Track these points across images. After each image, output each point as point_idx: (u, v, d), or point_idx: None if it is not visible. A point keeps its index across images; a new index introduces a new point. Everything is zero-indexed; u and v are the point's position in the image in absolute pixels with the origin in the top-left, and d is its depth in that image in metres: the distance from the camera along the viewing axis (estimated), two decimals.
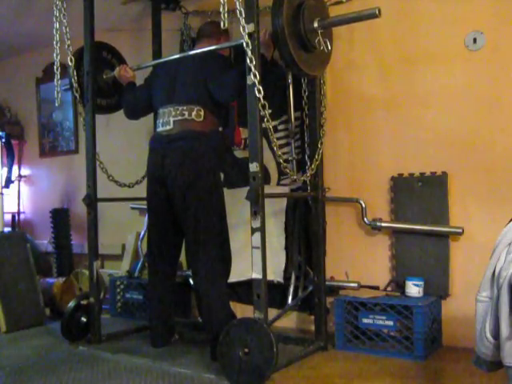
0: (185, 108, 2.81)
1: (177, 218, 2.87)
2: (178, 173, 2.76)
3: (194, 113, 2.79)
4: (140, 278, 3.77)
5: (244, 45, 2.41)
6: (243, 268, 3.05)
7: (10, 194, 4.92)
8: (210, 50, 2.88)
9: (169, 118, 2.84)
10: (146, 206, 3.19)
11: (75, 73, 3.16)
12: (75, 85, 3.18)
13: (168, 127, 2.84)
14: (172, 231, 2.94)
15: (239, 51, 2.74)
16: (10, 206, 4.92)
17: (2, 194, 4.53)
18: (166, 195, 2.85)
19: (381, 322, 2.80)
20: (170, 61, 3.04)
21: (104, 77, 3.31)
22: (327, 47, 2.59)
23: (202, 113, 2.80)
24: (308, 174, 2.85)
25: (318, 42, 2.52)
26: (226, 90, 2.76)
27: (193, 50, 3.09)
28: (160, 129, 2.89)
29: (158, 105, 2.95)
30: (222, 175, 3.02)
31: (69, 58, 3.14)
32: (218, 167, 2.88)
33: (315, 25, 2.53)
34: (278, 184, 3.40)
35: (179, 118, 2.81)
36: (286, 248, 3.29)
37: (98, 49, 3.30)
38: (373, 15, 2.46)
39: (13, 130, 4.95)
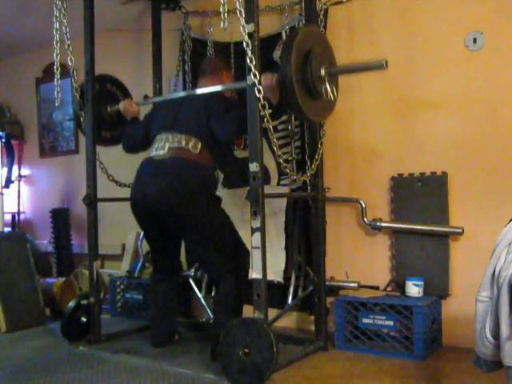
0: (183, 137, 2.78)
1: (171, 230, 2.87)
2: (165, 199, 2.69)
3: (191, 143, 2.77)
4: (140, 277, 3.77)
5: (244, 45, 2.40)
6: None
7: (10, 194, 4.92)
8: (214, 89, 2.90)
9: (164, 144, 2.81)
10: None
11: (75, 73, 3.16)
12: (75, 85, 3.19)
13: (161, 152, 2.80)
14: (168, 237, 2.94)
15: (241, 93, 2.77)
16: (10, 206, 4.92)
17: (2, 193, 4.54)
18: (155, 218, 2.81)
19: (381, 322, 2.80)
20: (174, 97, 3.07)
21: (108, 109, 3.29)
22: (333, 95, 2.59)
23: (198, 145, 2.77)
24: (308, 174, 2.85)
25: (324, 89, 2.53)
26: (227, 130, 2.73)
27: (196, 86, 3.11)
28: (153, 153, 2.85)
29: (156, 132, 2.91)
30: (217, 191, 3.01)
31: (69, 58, 3.14)
32: (207, 192, 2.80)
33: (322, 72, 2.53)
34: (278, 184, 3.40)
35: (175, 145, 2.78)
36: (286, 248, 3.29)
37: (102, 81, 3.33)
38: (380, 67, 2.49)
39: (13, 129, 4.95)
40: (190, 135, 2.78)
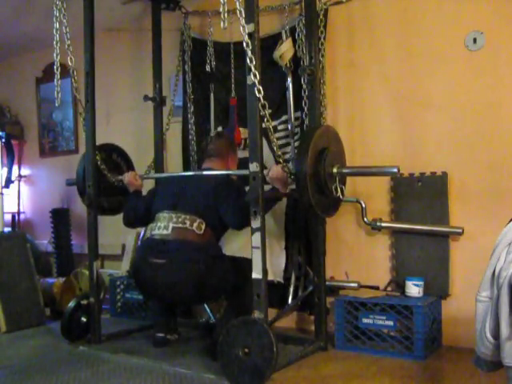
0: (187, 217, 2.75)
1: None
2: (174, 288, 2.72)
3: (195, 224, 2.74)
4: None
5: (244, 45, 2.40)
6: None
7: (10, 193, 4.92)
8: (222, 174, 2.94)
9: (168, 223, 2.77)
10: None
11: (75, 73, 3.16)
12: (75, 84, 3.18)
13: (165, 232, 2.76)
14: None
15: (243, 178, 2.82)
16: (10, 206, 4.92)
17: (2, 193, 4.53)
18: (163, 300, 2.93)
19: (381, 322, 2.80)
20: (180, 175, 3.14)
21: (112, 179, 3.27)
22: (342, 194, 2.64)
23: (203, 226, 2.74)
24: None
25: (334, 187, 2.58)
26: (239, 219, 2.69)
27: (202, 168, 3.13)
28: (155, 231, 2.81)
29: (159, 209, 2.89)
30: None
31: (69, 58, 3.14)
32: (213, 268, 2.76)
33: (334, 170, 2.59)
34: None
35: (180, 225, 2.75)
36: (286, 248, 3.29)
37: (109, 151, 3.39)
38: (393, 174, 2.59)
39: (13, 129, 4.94)
40: (195, 216, 2.75)
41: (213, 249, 2.80)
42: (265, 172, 2.53)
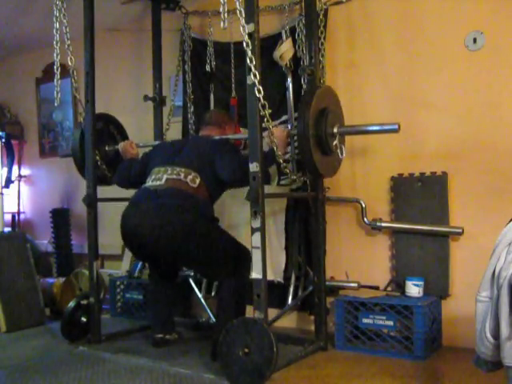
0: (182, 170, 2.74)
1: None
2: (160, 232, 2.60)
3: (190, 177, 2.72)
4: (140, 277, 3.77)
5: (244, 45, 2.40)
6: None
7: (10, 194, 4.92)
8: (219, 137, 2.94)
9: (162, 175, 2.75)
10: None
11: (75, 73, 3.16)
12: (75, 84, 3.19)
13: (158, 182, 2.74)
14: (164, 262, 2.92)
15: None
16: (10, 206, 4.92)
17: (2, 193, 4.53)
18: (149, 251, 2.74)
19: (381, 322, 2.80)
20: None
21: (106, 149, 3.27)
22: (341, 153, 2.69)
23: (197, 180, 2.72)
24: (308, 174, 2.85)
25: (334, 146, 2.61)
26: (234, 171, 2.69)
27: (198, 135, 3.14)
28: (149, 183, 2.79)
29: (154, 165, 2.86)
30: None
31: (69, 58, 3.14)
32: (204, 221, 2.71)
33: (335, 130, 2.62)
34: (278, 184, 3.40)
35: (174, 176, 2.73)
36: (286, 248, 3.29)
37: (105, 121, 3.36)
38: (393, 130, 2.55)
39: (13, 129, 4.95)
40: (190, 169, 2.74)
41: (206, 208, 2.74)
42: (264, 134, 2.52)
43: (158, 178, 2.75)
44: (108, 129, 3.40)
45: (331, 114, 2.62)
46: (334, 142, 2.63)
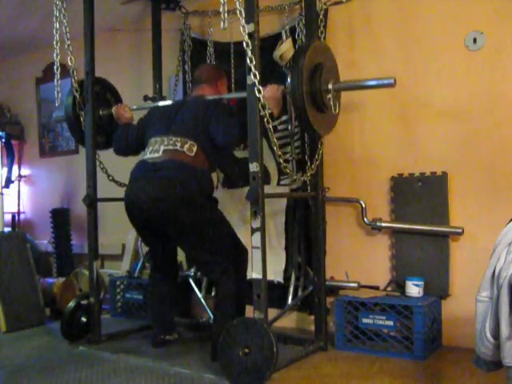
0: (178, 139, 2.73)
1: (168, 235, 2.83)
2: (160, 205, 2.63)
3: (186, 146, 2.71)
4: (140, 277, 3.77)
5: (244, 45, 2.41)
6: None
7: (10, 193, 4.92)
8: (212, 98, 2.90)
9: (159, 147, 2.75)
10: None
11: (75, 73, 3.16)
12: (75, 85, 3.19)
13: (156, 155, 2.74)
14: (164, 240, 2.91)
15: (242, 102, 2.74)
16: (10, 206, 4.92)
17: (2, 193, 4.53)
18: (150, 223, 2.76)
19: (381, 322, 2.80)
20: (171, 103, 3.06)
21: (100, 113, 3.25)
22: (336, 109, 2.63)
23: (194, 148, 2.71)
24: (308, 174, 2.85)
25: (330, 103, 2.57)
26: (227, 135, 2.70)
27: (191, 95, 3.10)
28: (147, 156, 2.80)
29: (151, 136, 2.86)
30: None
31: (69, 58, 3.14)
32: (202, 194, 2.73)
33: (330, 86, 2.57)
34: (278, 184, 3.40)
35: (170, 147, 2.72)
36: (286, 248, 3.29)
37: (102, 86, 3.33)
38: (389, 85, 2.51)
39: (13, 129, 4.94)
40: (186, 138, 2.73)
41: (204, 178, 2.74)
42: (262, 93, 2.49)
43: (156, 150, 2.76)
44: (104, 93, 3.37)
45: (326, 70, 2.55)
46: (330, 101, 2.56)
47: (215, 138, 2.73)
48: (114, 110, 3.22)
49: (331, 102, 2.58)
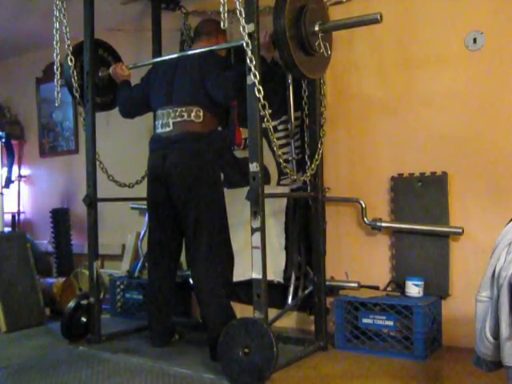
0: (184, 109, 2.81)
1: (177, 217, 2.87)
2: (178, 172, 2.78)
3: (193, 114, 2.80)
4: (140, 277, 3.77)
5: (244, 45, 2.41)
6: (243, 268, 3.05)
7: (10, 193, 4.92)
8: (208, 50, 2.88)
9: (168, 120, 2.86)
10: (145, 206, 3.20)
11: (75, 72, 3.16)
12: (75, 84, 3.18)
13: (168, 129, 2.85)
14: (172, 230, 2.94)
15: (239, 51, 2.72)
16: (10, 206, 4.92)
17: (2, 193, 4.53)
18: (167, 195, 2.85)
19: (381, 322, 2.80)
20: (168, 60, 3.03)
21: (100, 74, 3.28)
22: (327, 51, 2.58)
23: (200, 113, 2.80)
24: (308, 174, 2.85)
25: (318, 45, 2.52)
26: (223, 90, 2.74)
27: (191, 48, 3.08)
28: (159, 130, 2.91)
29: (157, 106, 2.95)
30: (222, 175, 3.02)
31: (69, 58, 3.14)
32: (217, 166, 2.89)
33: (316, 28, 2.52)
34: (278, 184, 3.40)
35: (178, 119, 2.82)
36: (286, 248, 3.29)
37: (94, 46, 3.27)
38: (375, 20, 2.47)
39: (13, 129, 4.94)
40: (190, 105, 2.81)
41: (216, 140, 2.87)
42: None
43: (166, 124, 2.86)
44: (99, 54, 3.36)
45: (310, 12, 2.47)
46: (317, 42, 2.50)
47: (216, 96, 2.78)
48: (111, 69, 3.25)
49: (321, 44, 2.51)
